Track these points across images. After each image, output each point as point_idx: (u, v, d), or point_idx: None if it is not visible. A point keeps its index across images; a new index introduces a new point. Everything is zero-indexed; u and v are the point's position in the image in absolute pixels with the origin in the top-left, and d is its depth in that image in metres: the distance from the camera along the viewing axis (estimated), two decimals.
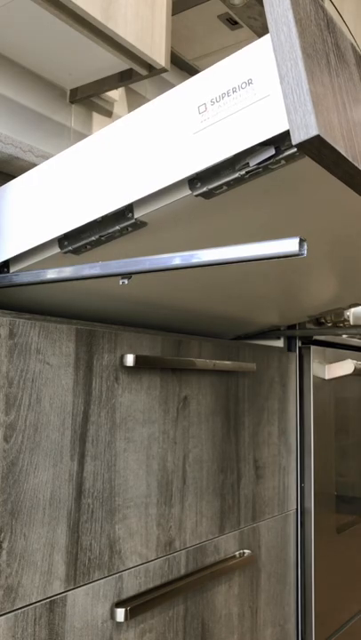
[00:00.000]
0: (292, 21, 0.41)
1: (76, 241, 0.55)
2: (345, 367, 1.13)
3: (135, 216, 0.50)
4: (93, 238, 0.54)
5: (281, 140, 0.43)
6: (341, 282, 0.83)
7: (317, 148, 0.40)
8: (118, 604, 0.68)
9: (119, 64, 1.27)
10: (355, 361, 1.13)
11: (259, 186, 0.48)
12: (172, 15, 1.53)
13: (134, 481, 0.72)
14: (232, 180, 0.46)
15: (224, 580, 0.86)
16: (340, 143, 0.41)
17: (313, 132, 0.38)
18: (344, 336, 1.23)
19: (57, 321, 0.65)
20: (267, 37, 0.44)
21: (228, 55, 1.70)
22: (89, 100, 1.47)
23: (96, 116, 1.49)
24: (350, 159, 0.42)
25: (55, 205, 0.55)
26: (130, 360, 0.70)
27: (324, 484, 1.10)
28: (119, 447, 0.70)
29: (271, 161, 0.44)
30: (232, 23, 1.56)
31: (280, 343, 1.09)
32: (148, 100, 1.66)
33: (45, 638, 0.61)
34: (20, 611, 0.58)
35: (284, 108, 0.41)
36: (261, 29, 1.57)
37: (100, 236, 0.53)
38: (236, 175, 0.45)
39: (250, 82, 0.44)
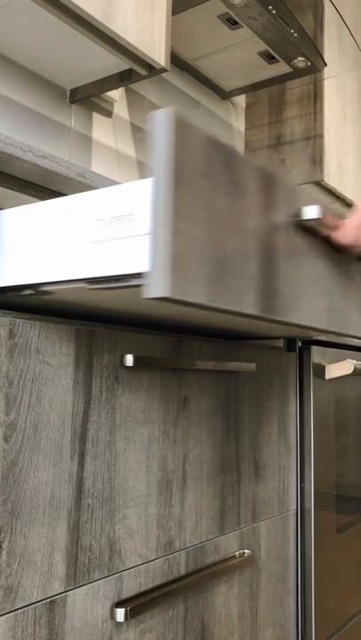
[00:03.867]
0: (170, 180, 0.45)
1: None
2: (345, 367, 1.13)
3: (40, 289, 0.58)
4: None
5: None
6: None
7: (170, 300, 0.45)
8: (118, 604, 0.68)
9: (119, 64, 1.27)
10: (355, 361, 1.13)
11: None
12: (172, 15, 1.53)
13: (134, 481, 0.72)
14: (115, 287, 0.53)
15: (224, 580, 0.86)
16: (196, 291, 0.47)
17: (165, 294, 0.44)
18: None
19: (57, 321, 0.65)
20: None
21: (227, 55, 1.70)
22: (89, 100, 1.47)
23: (96, 116, 1.49)
24: (206, 303, 0.48)
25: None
26: (130, 360, 0.70)
27: (324, 484, 1.10)
28: (119, 447, 0.70)
29: (139, 286, 0.51)
30: (232, 23, 1.56)
31: (280, 343, 1.09)
32: (148, 100, 1.67)
33: (45, 638, 0.61)
34: (20, 611, 0.58)
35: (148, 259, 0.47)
36: (261, 29, 1.57)
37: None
38: (118, 286, 0.53)
39: (132, 216, 0.50)
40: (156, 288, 0.44)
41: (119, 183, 0.70)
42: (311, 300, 0.64)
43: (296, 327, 0.65)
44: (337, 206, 2.17)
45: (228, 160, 0.52)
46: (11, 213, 0.60)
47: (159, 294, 0.44)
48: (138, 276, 0.50)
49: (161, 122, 0.45)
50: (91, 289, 0.54)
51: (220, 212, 0.50)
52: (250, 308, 0.54)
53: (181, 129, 0.46)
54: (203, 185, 0.48)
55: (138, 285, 0.51)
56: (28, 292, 0.58)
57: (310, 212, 0.60)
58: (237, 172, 0.53)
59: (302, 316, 0.63)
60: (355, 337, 0.76)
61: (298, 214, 0.61)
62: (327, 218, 0.63)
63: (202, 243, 0.48)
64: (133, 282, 0.51)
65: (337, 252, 0.70)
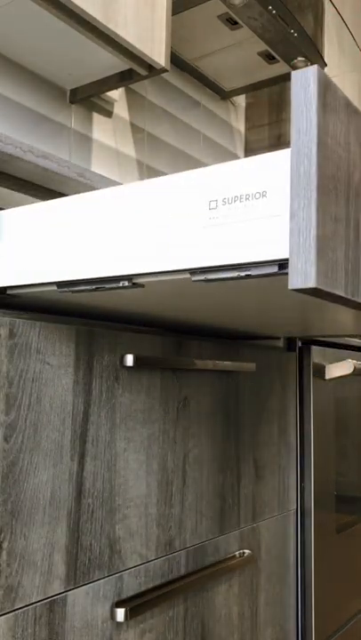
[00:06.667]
0: (315, 157, 0.39)
1: (72, 285, 0.55)
2: (345, 367, 1.13)
3: (134, 281, 0.51)
4: (89, 288, 0.54)
5: (285, 264, 0.43)
6: None
7: (314, 293, 0.40)
8: (118, 604, 0.68)
9: (119, 64, 1.27)
10: (355, 361, 1.13)
11: (256, 281, 0.48)
12: (172, 15, 1.53)
13: (134, 481, 0.72)
14: (231, 277, 0.46)
15: (224, 580, 0.86)
16: (340, 283, 0.41)
17: (311, 284, 0.38)
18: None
19: (57, 321, 0.65)
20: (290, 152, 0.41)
21: (227, 55, 1.70)
22: (89, 100, 1.47)
23: (96, 117, 1.49)
24: (350, 296, 0.42)
25: (58, 250, 0.55)
26: (130, 360, 0.70)
27: (324, 484, 1.10)
28: (119, 447, 0.70)
29: (273, 276, 0.44)
30: (232, 23, 1.56)
31: (280, 343, 1.09)
32: (148, 100, 1.66)
33: (45, 638, 0.61)
34: (20, 611, 0.58)
35: (289, 244, 0.40)
36: (261, 29, 1.57)
37: (97, 288, 0.53)
38: (236, 275, 0.46)
39: (264, 194, 0.43)
40: (301, 277, 0.38)
41: (119, 183, 0.69)
42: None
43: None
44: None
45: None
46: (111, 191, 0.52)
47: (305, 284, 0.38)
48: (269, 264, 0.43)
49: (306, 81, 0.39)
50: (197, 280, 0.47)
51: (357, 189, 0.44)
52: None
53: (327, 91, 0.40)
54: (344, 158, 0.43)
55: (273, 274, 0.44)
56: (124, 282, 0.51)
57: None
58: None
59: None
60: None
61: None
62: None
63: (344, 224, 0.42)
64: (266, 270, 0.44)
65: None
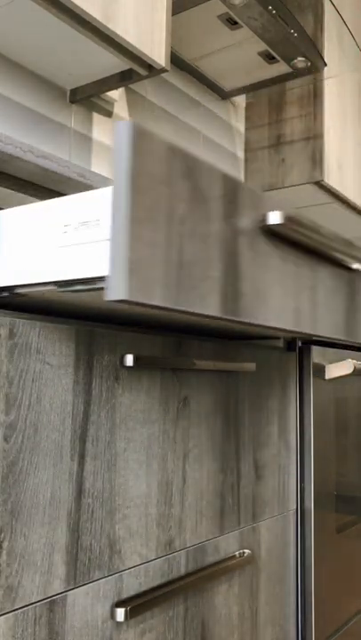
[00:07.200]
0: (128, 192, 0.47)
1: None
2: (345, 367, 1.13)
3: (15, 291, 0.59)
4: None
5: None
6: None
7: (126, 303, 0.47)
8: (118, 604, 0.68)
9: (119, 64, 1.27)
10: (355, 361, 1.13)
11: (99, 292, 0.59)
12: (173, 15, 1.53)
13: (134, 481, 0.72)
14: (81, 290, 0.55)
15: (224, 580, 0.86)
16: (158, 295, 0.50)
17: (122, 296, 0.46)
18: None
19: (57, 321, 0.65)
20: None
21: (227, 55, 1.70)
22: (89, 100, 1.47)
23: (96, 117, 1.49)
24: (171, 306, 0.51)
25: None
26: (130, 360, 0.70)
27: (324, 484, 1.10)
28: (119, 447, 0.70)
29: (100, 290, 0.54)
30: (232, 23, 1.56)
31: (280, 343, 1.09)
32: (148, 100, 1.67)
33: (45, 638, 0.61)
34: (20, 610, 0.58)
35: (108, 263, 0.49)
36: (261, 29, 1.57)
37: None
38: (84, 288, 0.54)
39: (98, 222, 0.52)
40: (115, 291, 0.46)
41: None
42: (279, 301, 0.67)
43: (262, 328, 0.67)
44: (336, 206, 2.18)
45: (188, 168, 0.54)
46: (4, 214, 0.61)
47: (117, 297, 0.46)
48: (102, 279, 0.52)
49: (121, 132, 0.48)
50: (60, 292, 0.56)
51: (180, 218, 0.53)
52: (212, 310, 0.56)
53: (141, 138, 0.49)
54: (163, 192, 0.51)
55: (101, 288, 0.52)
56: (4, 294, 0.60)
57: (274, 218, 0.63)
58: (198, 179, 0.55)
59: (269, 317, 0.65)
60: (323, 337, 0.77)
61: (263, 219, 0.63)
62: (291, 222, 0.65)
63: (162, 247, 0.51)
64: (98, 285, 0.53)
65: (306, 255, 0.72)
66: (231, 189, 0.59)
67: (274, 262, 0.65)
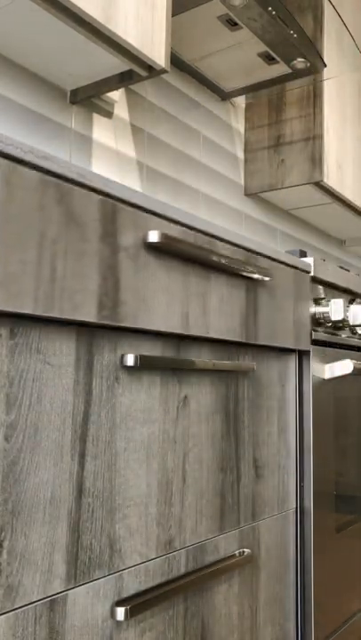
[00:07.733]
0: None
1: None
2: (344, 367, 1.13)
3: None
4: None
5: None
6: None
7: None
8: (118, 603, 0.68)
9: (119, 65, 1.27)
10: (354, 361, 1.14)
11: None
12: (173, 16, 1.54)
13: (134, 480, 0.72)
14: None
15: (224, 579, 0.86)
16: (28, 305, 0.58)
17: None
18: (344, 336, 1.23)
19: (57, 321, 0.65)
20: None
21: (227, 56, 1.70)
22: (89, 100, 1.47)
23: (96, 117, 1.49)
24: (40, 314, 0.59)
25: None
26: (130, 360, 0.71)
27: (324, 484, 1.10)
28: (119, 447, 0.70)
29: None
30: (232, 24, 1.57)
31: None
32: (149, 101, 1.67)
33: (46, 637, 0.61)
34: (20, 610, 0.59)
35: None
36: (261, 30, 1.58)
37: None
38: None
39: None
40: None
41: (119, 184, 0.70)
42: (164, 307, 0.75)
43: (145, 333, 0.74)
44: (335, 207, 2.18)
45: (62, 195, 0.62)
46: None
47: None
48: None
49: None
50: None
51: (53, 239, 0.61)
52: (86, 317, 0.64)
53: (12, 173, 0.57)
54: (35, 217, 0.59)
55: None
56: None
57: (153, 236, 0.71)
58: (70, 205, 0.63)
59: (154, 321, 0.73)
60: (216, 339, 0.85)
61: (144, 237, 0.72)
62: (171, 238, 0.74)
63: (34, 265, 0.59)
64: None
65: (196, 266, 0.81)
66: (110, 212, 0.68)
67: (159, 274, 0.74)
